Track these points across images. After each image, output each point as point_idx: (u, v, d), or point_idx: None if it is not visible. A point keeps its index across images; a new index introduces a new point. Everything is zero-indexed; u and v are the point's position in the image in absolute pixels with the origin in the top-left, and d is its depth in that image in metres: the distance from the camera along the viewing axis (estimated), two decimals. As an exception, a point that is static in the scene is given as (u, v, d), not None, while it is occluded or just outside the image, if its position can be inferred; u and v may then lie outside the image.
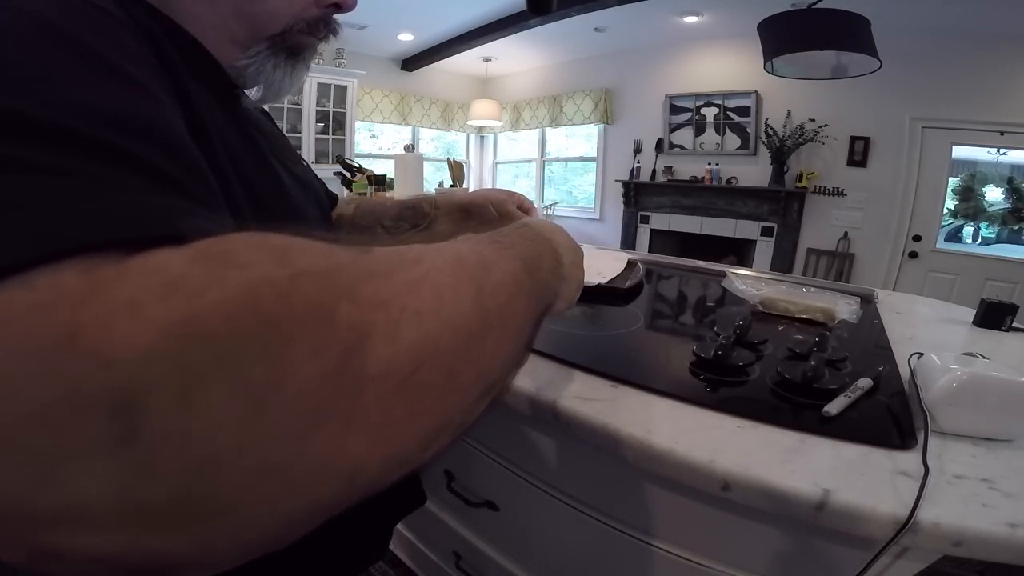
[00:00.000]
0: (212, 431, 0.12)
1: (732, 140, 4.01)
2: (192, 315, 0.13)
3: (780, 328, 0.74)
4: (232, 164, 0.32)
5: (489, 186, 5.97)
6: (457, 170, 1.50)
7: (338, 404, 0.14)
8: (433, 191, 1.54)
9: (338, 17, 0.41)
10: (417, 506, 0.56)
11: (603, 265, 1.02)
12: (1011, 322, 0.81)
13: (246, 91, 0.40)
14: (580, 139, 5.22)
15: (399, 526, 0.87)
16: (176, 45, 0.30)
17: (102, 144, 0.18)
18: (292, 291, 0.14)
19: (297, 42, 0.39)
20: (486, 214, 0.68)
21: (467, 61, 4.91)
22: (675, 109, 4.24)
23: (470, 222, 0.70)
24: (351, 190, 1.61)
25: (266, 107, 0.51)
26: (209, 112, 0.31)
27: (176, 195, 0.19)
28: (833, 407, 0.47)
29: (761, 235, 3.92)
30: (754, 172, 3.88)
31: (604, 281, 0.92)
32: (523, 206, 0.68)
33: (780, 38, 1.56)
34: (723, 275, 0.97)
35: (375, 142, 5.24)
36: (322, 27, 0.40)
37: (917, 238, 3.32)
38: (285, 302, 0.14)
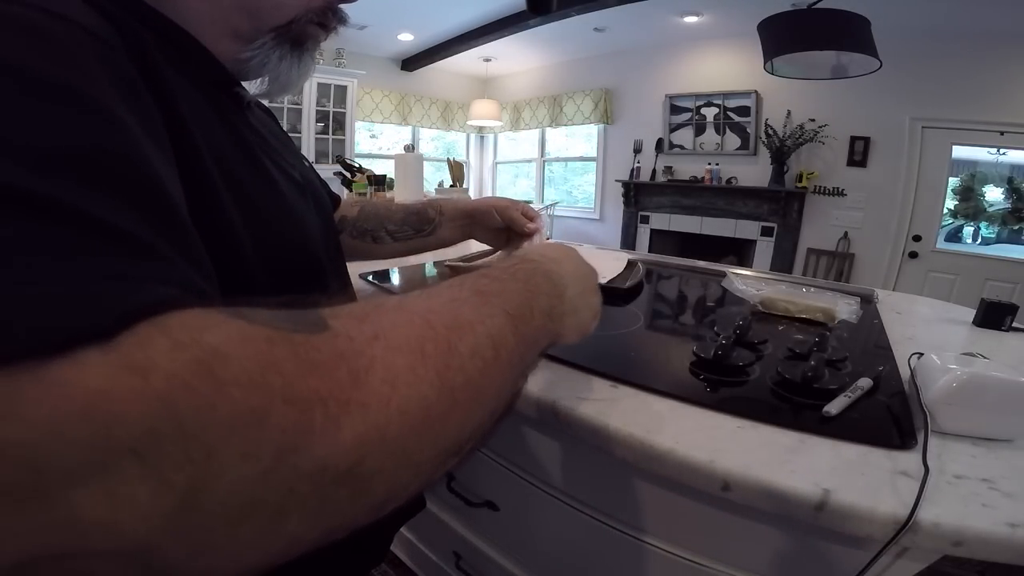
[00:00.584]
0: (139, 523, 0.14)
1: (732, 140, 4.01)
2: (113, 434, 0.13)
3: (780, 328, 0.74)
4: (219, 165, 0.31)
5: (488, 186, 5.98)
6: (457, 170, 1.50)
7: (271, 498, 0.15)
8: (434, 191, 1.54)
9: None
10: (417, 511, 0.56)
11: (603, 265, 1.02)
12: (1011, 322, 0.81)
13: (250, 86, 0.39)
14: (580, 139, 5.22)
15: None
16: (166, 43, 0.30)
17: (34, 197, 0.16)
18: (217, 402, 0.15)
19: (303, 32, 0.38)
20: (490, 220, 0.68)
21: (467, 61, 4.91)
22: (675, 109, 4.24)
23: (474, 228, 0.71)
24: (351, 190, 1.61)
25: (266, 105, 0.51)
26: (196, 113, 0.30)
27: (120, 258, 0.17)
28: (833, 407, 0.47)
29: (761, 235, 3.92)
30: (754, 172, 3.89)
31: (604, 281, 0.92)
32: (527, 214, 0.68)
33: (780, 38, 1.56)
34: (723, 275, 0.97)
35: (375, 142, 5.25)
36: (330, 16, 0.39)
37: (917, 238, 3.32)
38: (209, 414, 0.14)
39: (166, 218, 0.20)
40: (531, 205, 0.72)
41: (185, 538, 0.14)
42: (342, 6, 0.40)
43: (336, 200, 0.67)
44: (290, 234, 0.39)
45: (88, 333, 0.15)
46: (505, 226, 0.68)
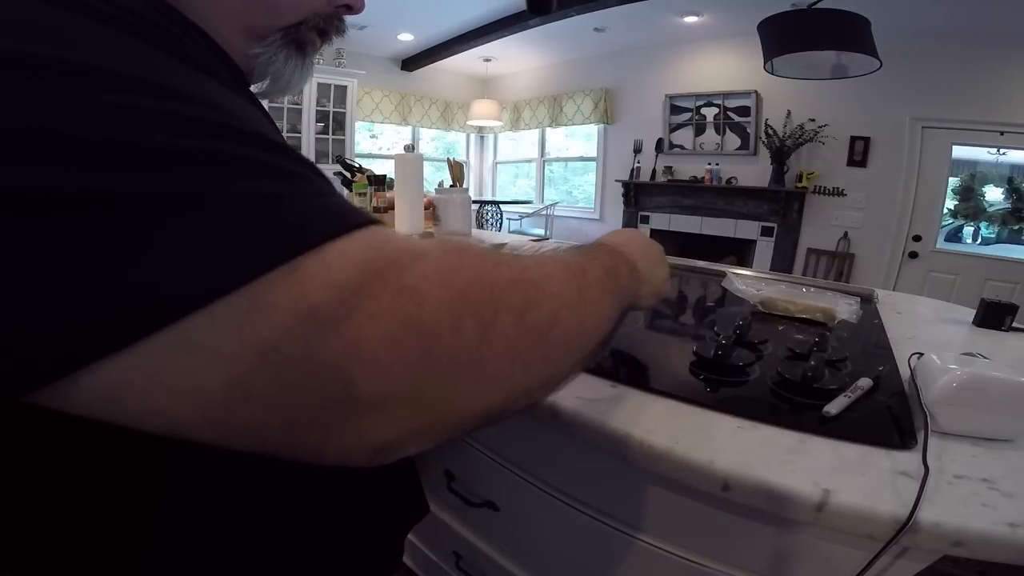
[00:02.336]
0: (469, 350, 0.20)
1: (732, 140, 4.01)
2: (458, 292, 0.20)
3: (780, 328, 0.74)
4: None
5: (488, 186, 5.99)
6: (457, 170, 1.50)
7: (515, 344, 0.22)
8: (434, 191, 1.54)
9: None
10: (421, 516, 0.55)
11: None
12: (1011, 322, 0.81)
13: (251, 85, 0.40)
14: (580, 139, 5.22)
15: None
16: (193, 40, 0.30)
17: (287, 152, 0.21)
18: (498, 275, 0.22)
19: (307, 37, 0.39)
20: None
21: (467, 61, 4.91)
22: (675, 109, 4.24)
23: None
24: (351, 190, 1.60)
25: (266, 107, 0.51)
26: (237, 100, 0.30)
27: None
28: (833, 407, 0.47)
29: (761, 235, 3.92)
30: (754, 172, 3.88)
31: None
32: None
33: (780, 38, 1.56)
34: (723, 275, 0.97)
35: (375, 142, 5.25)
36: (333, 23, 0.40)
37: (917, 238, 3.32)
38: (493, 287, 0.22)
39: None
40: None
41: (472, 370, 0.20)
42: (345, 17, 0.41)
43: None
44: None
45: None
46: None
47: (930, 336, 0.77)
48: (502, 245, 0.97)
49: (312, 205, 0.20)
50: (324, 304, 0.17)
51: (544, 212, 5.04)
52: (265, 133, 0.21)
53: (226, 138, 0.19)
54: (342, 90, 4.46)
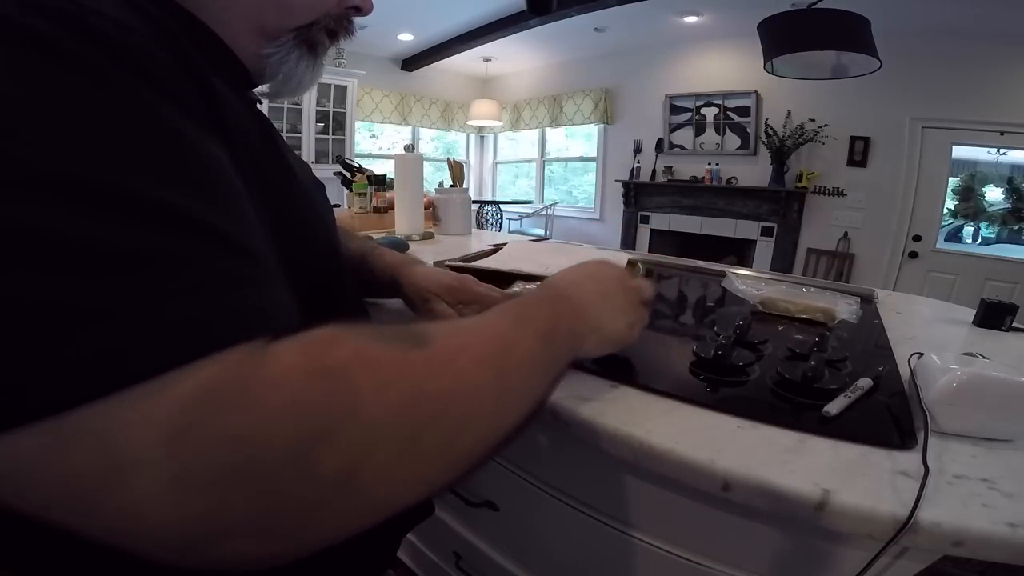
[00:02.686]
0: (367, 477, 0.20)
1: (732, 140, 4.01)
2: (312, 433, 0.18)
3: (780, 328, 0.74)
4: (252, 163, 0.31)
5: (488, 186, 5.99)
6: (457, 170, 1.50)
7: (399, 470, 0.21)
8: (434, 191, 1.54)
9: None
10: (426, 516, 0.55)
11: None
12: (1011, 322, 0.80)
13: (261, 85, 0.40)
14: (580, 139, 5.22)
15: (399, 526, 0.87)
16: (195, 41, 0.30)
17: (191, 223, 0.20)
18: (374, 409, 0.20)
19: (317, 38, 0.39)
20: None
21: (467, 61, 4.91)
22: (675, 109, 4.24)
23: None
24: (351, 190, 1.60)
25: (266, 107, 0.51)
26: (231, 109, 0.30)
27: (256, 275, 0.23)
28: (833, 407, 0.47)
29: (761, 235, 3.92)
30: (754, 172, 3.88)
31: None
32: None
33: (780, 38, 1.56)
34: (723, 275, 0.97)
35: (375, 142, 5.24)
36: (343, 24, 0.40)
37: (917, 238, 3.32)
38: (366, 423, 0.20)
39: (254, 226, 0.25)
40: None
41: (335, 508, 0.19)
42: (354, 19, 0.41)
43: None
44: (316, 235, 0.39)
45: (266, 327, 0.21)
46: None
47: (930, 336, 0.77)
48: (502, 246, 0.96)
49: (168, 315, 0.18)
50: (138, 447, 0.16)
51: (544, 212, 5.04)
52: (167, 197, 0.20)
53: (102, 215, 0.18)
54: (342, 90, 4.45)
